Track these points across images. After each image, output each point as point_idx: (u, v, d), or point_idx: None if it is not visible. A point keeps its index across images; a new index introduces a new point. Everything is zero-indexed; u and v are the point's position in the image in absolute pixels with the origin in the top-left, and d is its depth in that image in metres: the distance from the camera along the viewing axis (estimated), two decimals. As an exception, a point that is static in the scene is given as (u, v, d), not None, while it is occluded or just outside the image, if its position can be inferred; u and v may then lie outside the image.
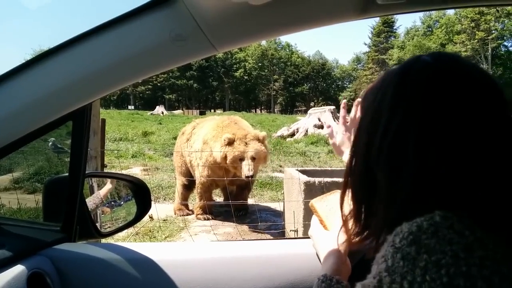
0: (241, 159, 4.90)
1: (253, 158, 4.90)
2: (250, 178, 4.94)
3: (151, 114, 38.24)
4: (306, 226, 4.03)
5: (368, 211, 0.69)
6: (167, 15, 0.80)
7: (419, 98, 0.62)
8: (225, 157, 4.93)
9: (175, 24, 0.81)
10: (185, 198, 5.77)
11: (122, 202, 1.51)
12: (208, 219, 5.29)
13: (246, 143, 4.96)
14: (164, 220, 5.11)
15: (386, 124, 0.63)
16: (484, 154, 0.58)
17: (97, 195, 1.48)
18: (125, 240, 4.24)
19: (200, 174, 5.32)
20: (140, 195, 1.28)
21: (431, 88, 0.62)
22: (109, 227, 1.51)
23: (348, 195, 0.73)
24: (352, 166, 0.71)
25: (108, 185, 1.47)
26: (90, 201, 1.39)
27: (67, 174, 1.06)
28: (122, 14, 0.83)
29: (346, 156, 1.28)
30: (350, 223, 0.74)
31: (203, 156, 5.26)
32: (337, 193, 1.13)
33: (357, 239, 0.72)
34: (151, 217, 4.99)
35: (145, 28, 0.82)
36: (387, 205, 0.62)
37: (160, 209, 4.75)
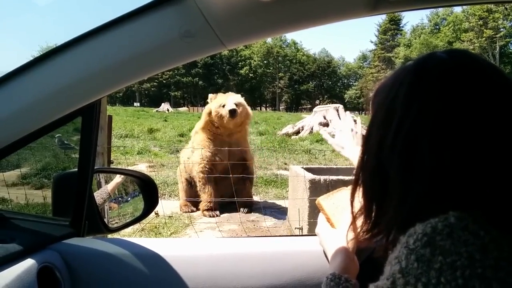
0: (224, 105, 5.54)
1: (234, 104, 5.53)
2: (234, 116, 5.46)
3: (157, 111, 38.37)
4: (311, 224, 4.03)
5: (379, 208, 0.68)
6: (175, 11, 0.80)
7: (435, 95, 0.61)
8: (210, 113, 5.60)
9: (184, 20, 0.81)
10: (189, 195, 5.78)
11: (129, 198, 1.52)
12: (214, 216, 5.30)
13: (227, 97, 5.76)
14: (169, 216, 5.13)
15: (400, 122, 0.62)
16: (499, 152, 0.57)
17: (104, 190, 1.50)
18: (131, 236, 4.27)
19: (197, 162, 5.53)
20: (148, 191, 1.29)
21: (447, 85, 0.61)
22: (117, 222, 1.52)
23: (359, 192, 0.72)
24: (364, 163, 0.70)
25: (116, 180, 1.48)
26: (98, 196, 1.40)
27: (76, 169, 1.07)
28: (131, 11, 0.83)
29: (346, 152, 1.34)
30: (360, 220, 0.73)
31: (195, 141, 5.82)
32: (343, 191, 1.13)
33: (366, 236, 0.71)
34: (156, 214, 5.01)
35: (154, 24, 0.83)
36: (399, 204, 0.61)
37: (165, 206, 4.77)
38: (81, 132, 1.02)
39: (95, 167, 1.16)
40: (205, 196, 5.46)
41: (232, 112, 5.48)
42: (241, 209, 5.42)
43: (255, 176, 6.26)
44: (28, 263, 0.88)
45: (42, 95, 0.86)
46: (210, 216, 5.28)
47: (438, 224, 0.52)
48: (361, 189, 0.72)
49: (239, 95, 5.98)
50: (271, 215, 5.31)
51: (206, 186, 5.49)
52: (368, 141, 0.70)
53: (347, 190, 1.13)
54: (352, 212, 0.75)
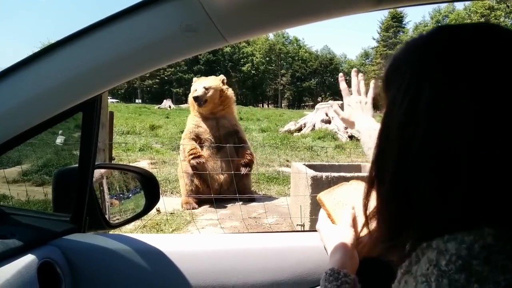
0: (195, 90, 5.92)
1: (203, 88, 5.87)
2: (197, 101, 5.82)
3: (159, 107, 38.35)
4: (313, 221, 4.03)
5: (399, 217, 0.58)
6: (177, 5, 0.79)
7: (473, 99, 0.50)
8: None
9: (185, 15, 0.80)
10: (191, 191, 5.81)
11: (130, 194, 1.52)
12: (194, 208, 5.50)
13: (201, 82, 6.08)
14: (171, 213, 5.14)
15: (427, 132, 0.52)
16: None
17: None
18: (132, 232, 4.28)
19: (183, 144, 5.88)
20: (149, 187, 1.28)
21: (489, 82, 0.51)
22: (118, 218, 1.52)
23: (373, 192, 0.64)
24: (381, 164, 0.60)
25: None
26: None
27: (77, 165, 1.06)
28: (132, 5, 0.82)
29: (358, 125, 1.26)
30: (373, 224, 0.65)
31: (187, 125, 6.20)
32: (344, 186, 1.12)
33: (382, 246, 0.62)
34: (158, 210, 5.02)
35: (155, 19, 0.82)
36: (427, 217, 0.53)
37: (167, 203, 4.77)
38: (82, 128, 1.01)
39: (96, 163, 1.15)
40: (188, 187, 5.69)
41: (196, 99, 5.83)
42: (242, 168, 5.74)
43: (255, 161, 6.45)
44: (28, 259, 0.88)
45: (42, 90, 0.86)
46: (188, 209, 5.41)
47: (474, 246, 0.47)
48: (375, 190, 0.62)
49: (215, 78, 6.22)
50: (273, 212, 5.30)
51: (189, 178, 5.73)
52: (384, 140, 0.59)
53: (348, 185, 1.12)
54: (366, 214, 0.66)
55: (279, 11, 0.80)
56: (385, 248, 0.60)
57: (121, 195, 1.60)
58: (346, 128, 14.31)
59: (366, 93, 1.33)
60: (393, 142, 0.56)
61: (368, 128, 1.20)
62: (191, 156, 5.62)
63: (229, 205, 5.61)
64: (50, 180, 1.18)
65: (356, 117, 1.28)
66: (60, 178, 1.14)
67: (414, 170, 0.53)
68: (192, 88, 6.08)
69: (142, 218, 4.46)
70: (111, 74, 0.86)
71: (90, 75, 0.86)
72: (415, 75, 0.55)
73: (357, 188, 1.09)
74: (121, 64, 0.85)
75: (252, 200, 5.83)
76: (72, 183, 1.07)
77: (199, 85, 5.96)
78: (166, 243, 1.09)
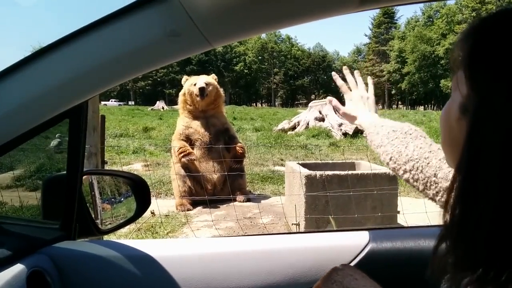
0: (195, 84, 5.99)
1: (204, 83, 5.97)
2: (203, 93, 5.89)
3: (152, 109, 38.22)
4: (308, 220, 4.04)
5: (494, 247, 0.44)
6: (160, 11, 0.79)
7: None
8: (184, 94, 6.07)
9: (169, 19, 0.80)
10: (185, 192, 5.80)
11: (122, 199, 1.51)
12: (189, 209, 5.48)
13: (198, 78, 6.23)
14: (166, 215, 5.12)
15: None
16: None
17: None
18: (127, 236, 4.26)
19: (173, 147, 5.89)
20: (139, 191, 1.28)
21: None
22: (111, 223, 1.51)
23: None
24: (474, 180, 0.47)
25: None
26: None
27: (65, 172, 1.06)
28: (115, 11, 0.82)
29: (360, 119, 1.26)
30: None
31: (177, 126, 6.21)
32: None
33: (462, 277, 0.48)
34: (153, 213, 5.00)
35: (139, 24, 0.81)
36: None
37: (162, 205, 4.75)
38: (69, 135, 1.01)
39: (85, 169, 1.14)
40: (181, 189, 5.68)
41: (201, 90, 5.89)
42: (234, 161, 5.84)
43: (248, 160, 6.53)
44: (17, 268, 0.87)
45: (26, 98, 0.85)
46: (182, 211, 5.41)
47: None
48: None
49: (211, 76, 6.39)
50: (268, 212, 5.31)
51: (182, 179, 5.73)
52: (480, 154, 0.46)
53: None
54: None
55: (263, 14, 0.80)
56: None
57: (112, 199, 1.59)
58: (340, 125, 14.35)
59: (366, 90, 1.33)
60: (494, 155, 0.44)
61: (374, 124, 1.19)
62: (182, 155, 5.61)
63: (224, 206, 5.60)
64: (38, 187, 1.17)
65: (358, 111, 1.28)
66: (49, 185, 1.13)
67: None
68: (188, 83, 6.12)
69: (137, 221, 4.45)
70: (95, 80, 0.86)
71: (75, 82, 0.85)
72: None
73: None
74: (106, 70, 0.85)
75: (248, 199, 5.83)
76: (61, 190, 1.06)
77: (200, 80, 6.05)
78: (156, 248, 1.08)
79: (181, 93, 6.22)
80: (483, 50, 0.48)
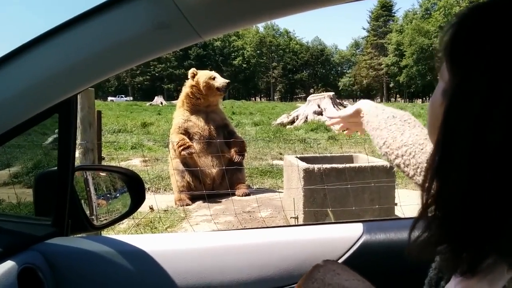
0: (214, 77, 5.95)
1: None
2: (226, 89, 6.00)
3: (150, 104, 38.16)
4: (306, 213, 4.04)
5: (481, 231, 0.45)
6: (148, 2, 0.77)
7: None
8: (192, 86, 5.96)
9: (158, 11, 0.78)
10: (183, 187, 5.79)
11: (117, 194, 1.50)
12: (188, 204, 5.43)
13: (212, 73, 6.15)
14: (165, 210, 5.12)
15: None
16: None
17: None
18: (126, 231, 4.26)
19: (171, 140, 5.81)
20: (134, 186, 1.27)
21: None
22: (105, 219, 1.50)
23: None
24: (446, 162, 0.49)
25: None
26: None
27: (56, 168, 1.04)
28: (103, 2, 0.80)
29: (360, 104, 1.28)
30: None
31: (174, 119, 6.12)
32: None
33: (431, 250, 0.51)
34: (151, 208, 5.00)
35: (127, 16, 0.80)
36: None
37: (160, 200, 4.75)
38: (59, 130, 0.99)
39: (78, 165, 1.13)
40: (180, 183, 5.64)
41: (228, 85, 5.97)
42: (235, 156, 5.79)
43: (246, 154, 6.51)
44: (8, 265, 0.86)
45: (13, 93, 0.83)
46: (181, 206, 5.37)
47: None
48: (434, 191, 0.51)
49: (211, 72, 6.39)
50: (267, 205, 5.31)
51: (181, 172, 5.69)
52: (453, 133, 0.47)
53: None
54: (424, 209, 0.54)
55: (253, 5, 0.78)
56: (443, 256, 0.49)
57: (107, 195, 1.58)
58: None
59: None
60: (463, 132, 0.46)
61: (375, 106, 1.21)
62: (181, 148, 5.52)
63: (223, 200, 5.60)
64: (27, 184, 1.16)
65: (358, 102, 1.30)
66: (41, 181, 1.12)
67: (494, 164, 0.43)
68: (206, 75, 6.00)
69: (135, 216, 4.44)
70: (83, 74, 0.85)
71: (63, 75, 0.84)
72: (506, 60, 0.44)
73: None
74: (94, 64, 0.84)
75: (247, 193, 5.81)
76: (53, 186, 1.05)
77: (216, 75, 6.04)
78: (150, 243, 1.08)
79: (188, 85, 6.05)
80: (463, 35, 0.50)
